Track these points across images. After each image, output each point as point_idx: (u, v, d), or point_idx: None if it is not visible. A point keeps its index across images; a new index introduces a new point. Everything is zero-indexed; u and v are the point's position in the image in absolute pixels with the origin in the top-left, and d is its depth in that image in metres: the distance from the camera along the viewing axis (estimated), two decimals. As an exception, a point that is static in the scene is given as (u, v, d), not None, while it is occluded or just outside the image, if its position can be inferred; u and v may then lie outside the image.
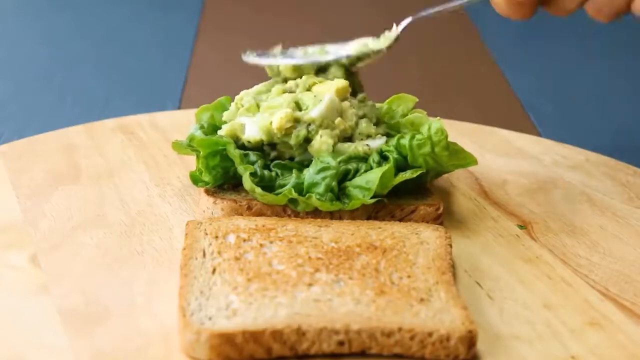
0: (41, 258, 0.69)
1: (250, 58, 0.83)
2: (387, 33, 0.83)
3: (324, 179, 0.73)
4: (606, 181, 0.87)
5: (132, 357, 0.58)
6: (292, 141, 0.76)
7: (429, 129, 0.74)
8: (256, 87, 0.82)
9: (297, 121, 0.76)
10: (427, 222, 0.75)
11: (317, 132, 0.76)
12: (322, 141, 0.75)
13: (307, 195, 0.73)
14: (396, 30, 0.82)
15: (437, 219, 0.75)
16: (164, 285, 0.65)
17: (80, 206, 0.77)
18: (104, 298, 0.64)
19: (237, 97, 0.81)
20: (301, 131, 0.76)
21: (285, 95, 0.79)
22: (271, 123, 0.76)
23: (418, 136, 0.74)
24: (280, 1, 1.67)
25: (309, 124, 0.76)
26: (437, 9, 0.81)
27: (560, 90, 1.27)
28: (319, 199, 0.72)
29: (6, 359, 0.57)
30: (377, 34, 0.84)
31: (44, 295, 0.64)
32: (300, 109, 0.77)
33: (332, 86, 0.79)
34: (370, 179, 0.73)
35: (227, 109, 0.81)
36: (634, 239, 0.77)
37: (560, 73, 1.35)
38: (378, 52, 0.82)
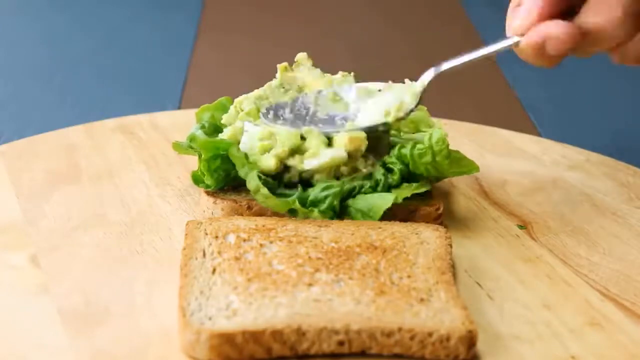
0: (41, 258, 0.69)
1: (268, 121, 0.78)
2: (409, 84, 0.78)
3: (327, 197, 0.73)
4: (606, 181, 0.87)
5: (132, 357, 0.58)
6: (285, 179, 0.75)
7: (430, 138, 0.74)
8: (256, 92, 0.81)
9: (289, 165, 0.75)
10: (428, 222, 0.75)
11: (312, 176, 0.75)
12: (319, 181, 0.74)
13: (310, 208, 0.73)
14: (422, 84, 0.77)
15: (438, 219, 0.75)
16: (164, 285, 0.65)
17: (80, 206, 0.77)
18: (104, 298, 0.64)
19: (236, 101, 0.80)
20: (293, 177, 0.75)
21: (293, 132, 0.75)
22: (260, 155, 0.75)
23: (419, 146, 0.74)
24: (280, 1, 1.67)
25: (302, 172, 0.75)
26: (459, 61, 0.76)
27: (560, 90, 1.27)
28: (320, 215, 0.72)
29: (6, 359, 0.57)
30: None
31: (44, 295, 0.64)
32: (300, 152, 0.75)
33: (345, 137, 0.75)
34: (373, 207, 0.73)
35: (227, 109, 0.81)
36: (634, 239, 0.77)
37: (560, 73, 1.35)
38: (410, 112, 0.77)
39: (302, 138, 0.75)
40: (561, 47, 0.70)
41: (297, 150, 0.75)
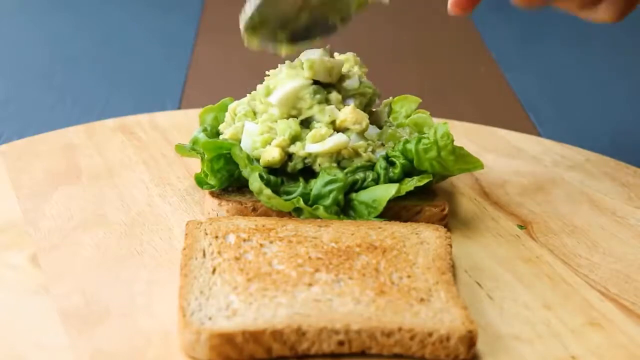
0: (41, 258, 0.69)
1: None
2: None
3: (331, 191, 0.73)
4: (606, 181, 0.87)
5: (132, 357, 0.58)
6: (289, 169, 0.75)
7: (435, 133, 0.74)
8: (248, 97, 0.81)
9: (291, 153, 0.75)
10: (433, 223, 0.74)
11: (315, 161, 0.75)
12: (322, 167, 0.75)
13: (314, 206, 0.73)
14: None
15: (443, 220, 0.75)
16: (164, 285, 0.65)
17: (80, 206, 0.77)
18: (104, 298, 0.64)
19: (230, 107, 0.80)
20: (297, 164, 0.75)
21: (290, 120, 0.76)
22: (262, 148, 0.75)
23: (424, 140, 0.74)
24: (280, 1, 1.67)
25: (306, 157, 0.75)
26: None
27: (560, 90, 1.27)
28: (325, 211, 0.72)
29: (6, 359, 0.57)
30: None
31: (44, 295, 0.64)
32: (301, 139, 0.75)
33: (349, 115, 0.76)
34: (376, 198, 0.73)
35: (230, 111, 0.81)
36: (634, 239, 0.77)
37: (560, 73, 1.35)
38: None
39: (301, 125, 0.76)
40: None
41: (297, 138, 0.75)
